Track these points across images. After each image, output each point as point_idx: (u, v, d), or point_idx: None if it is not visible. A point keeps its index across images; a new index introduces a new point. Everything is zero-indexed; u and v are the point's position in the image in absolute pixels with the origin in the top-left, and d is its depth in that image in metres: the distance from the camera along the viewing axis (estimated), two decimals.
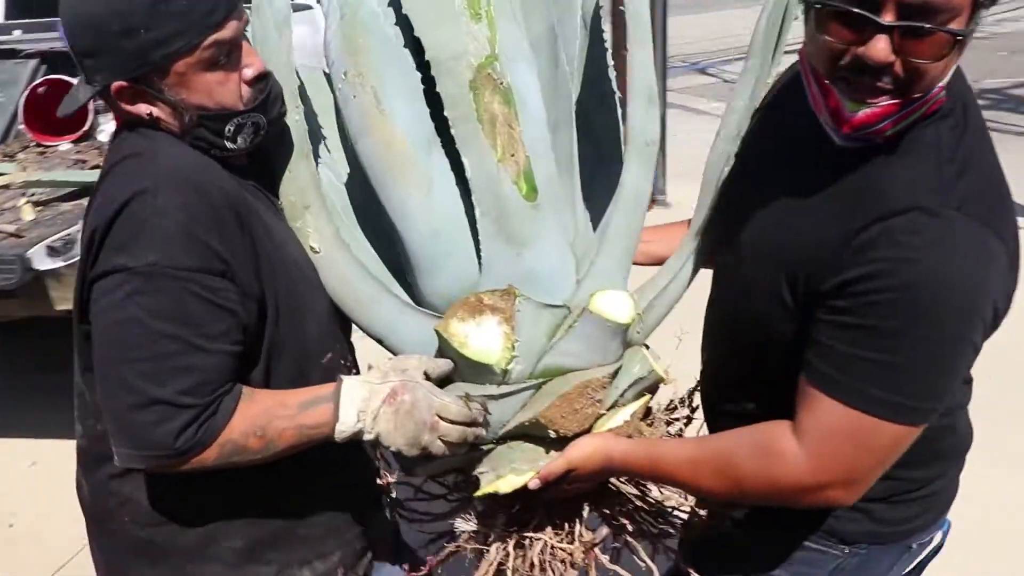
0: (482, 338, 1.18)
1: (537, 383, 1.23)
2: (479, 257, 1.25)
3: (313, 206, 1.27)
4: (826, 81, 1.00)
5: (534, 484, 1.21)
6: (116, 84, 1.13)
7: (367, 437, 1.16)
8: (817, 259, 1.04)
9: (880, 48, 0.92)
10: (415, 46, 1.22)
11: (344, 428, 1.15)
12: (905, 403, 1.01)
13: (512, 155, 1.20)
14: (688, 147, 6.05)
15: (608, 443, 1.21)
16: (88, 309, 1.13)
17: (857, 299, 1.00)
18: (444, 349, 1.22)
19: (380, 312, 1.28)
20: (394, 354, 1.29)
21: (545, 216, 1.23)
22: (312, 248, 1.27)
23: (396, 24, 1.23)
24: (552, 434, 1.21)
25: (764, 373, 1.19)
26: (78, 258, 1.25)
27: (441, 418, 1.16)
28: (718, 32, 11.28)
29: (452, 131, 1.20)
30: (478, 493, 1.23)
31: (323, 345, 1.29)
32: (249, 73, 1.17)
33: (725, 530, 1.26)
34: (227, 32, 1.13)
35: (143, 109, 1.15)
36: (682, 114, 7.81)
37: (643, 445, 1.21)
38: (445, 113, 1.20)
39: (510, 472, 1.22)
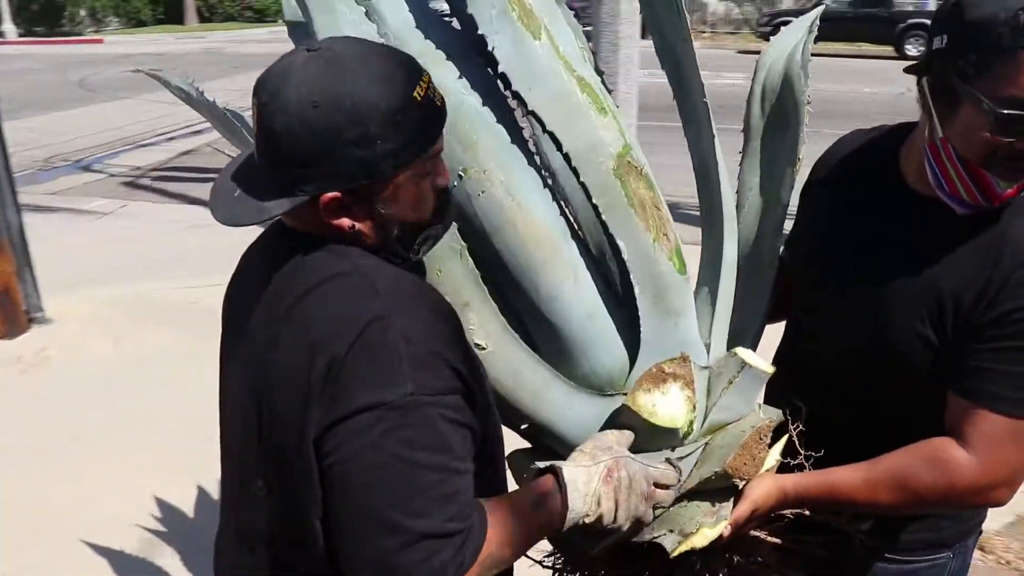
0: (668, 405, 1.26)
1: (705, 441, 1.33)
2: (621, 333, 1.33)
3: (473, 302, 1.28)
4: (979, 167, 1.21)
5: (727, 532, 1.30)
6: (329, 195, 1.05)
7: (588, 520, 1.18)
8: (970, 295, 1.25)
9: None
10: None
11: (574, 516, 1.15)
12: None
13: (664, 234, 1.31)
14: (68, 253, 6.00)
15: (779, 480, 1.33)
16: (320, 452, 1.03)
17: (1017, 326, 1.22)
18: (626, 421, 1.28)
19: (552, 398, 1.30)
20: (558, 440, 1.33)
21: (691, 287, 1.35)
22: (478, 345, 1.27)
23: (498, 122, 1.29)
24: (737, 482, 1.30)
25: (885, 401, 1.38)
26: None
27: (657, 486, 1.22)
28: (96, 127, 11.52)
29: (602, 217, 1.28)
30: (675, 553, 1.29)
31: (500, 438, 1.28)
32: (441, 183, 1.14)
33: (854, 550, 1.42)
34: (441, 142, 1.13)
35: (345, 223, 1.08)
36: (69, 217, 7.47)
37: (812, 476, 1.34)
38: (593, 201, 1.28)
39: (701, 528, 1.29)
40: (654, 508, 1.26)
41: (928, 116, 1.26)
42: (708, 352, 1.40)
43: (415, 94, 1.04)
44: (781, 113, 1.52)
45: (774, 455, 1.37)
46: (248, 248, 1.28)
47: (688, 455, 1.32)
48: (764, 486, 1.31)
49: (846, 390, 1.43)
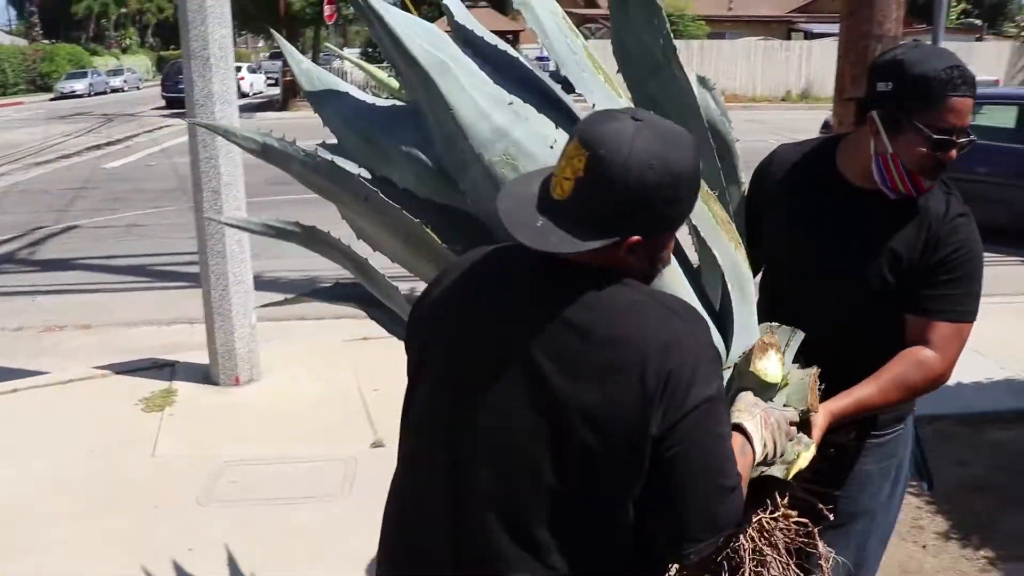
0: (772, 367, 1.69)
1: (781, 389, 1.77)
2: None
3: None
4: (915, 171, 1.83)
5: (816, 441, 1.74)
6: (635, 238, 1.27)
7: (760, 456, 1.54)
8: (915, 251, 1.87)
9: (953, 155, 1.82)
10: None
11: (758, 454, 1.53)
12: (976, 309, 1.91)
13: (739, 242, 1.76)
14: None
15: (827, 407, 1.82)
16: (661, 445, 1.25)
17: (951, 262, 1.87)
18: (745, 384, 1.68)
19: None
20: None
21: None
22: None
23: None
24: (812, 415, 1.76)
25: (860, 335, 1.93)
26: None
27: (791, 424, 1.65)
28: None
29: (700, 235, 1.68)
30: (790, 476, 1.68)
31: None
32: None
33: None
34: None
35: (629, 259, 1.30)
36: None
37: (843, 399, 1.85)
38: (693, 223, 1.67)
39: (800, 454, 1.71)
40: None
41: (877, 136, 1.86)
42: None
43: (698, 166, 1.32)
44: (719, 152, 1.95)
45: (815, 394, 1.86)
46: (471, 277, 1.41)
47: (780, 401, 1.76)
48: (821, 414, 1.80)
49: (832, 335, 1.89)
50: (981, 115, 9.81)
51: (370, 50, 32.48)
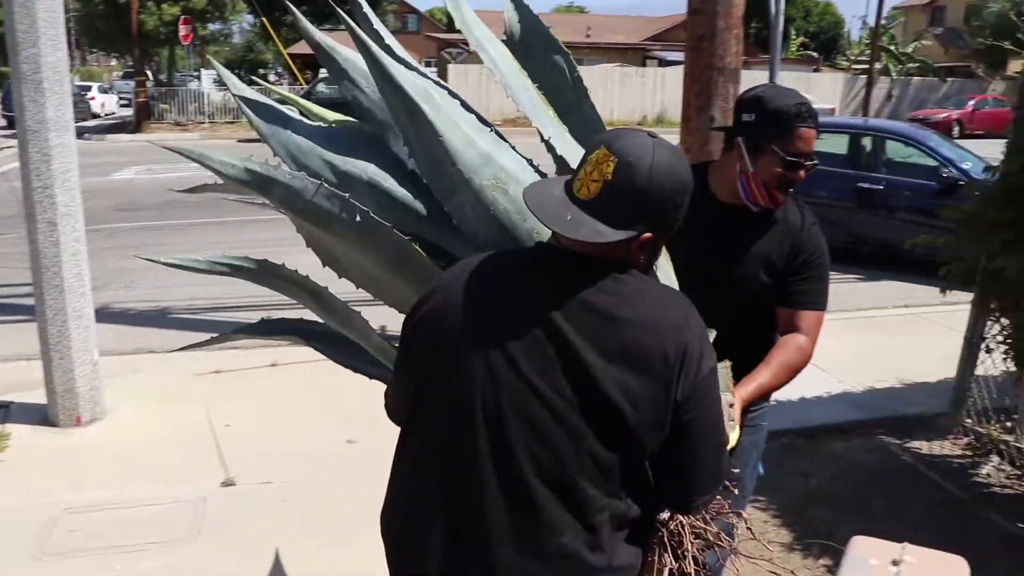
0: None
1: None
2: None
3: None
4: (772, 187, 2.22)
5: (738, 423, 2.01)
6: (647, 235, 1.48)
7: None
8: (783, 256, 2.29)
9: (803, 175, 2.20)
10: None
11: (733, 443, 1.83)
12: (828, 300, 2.35)
13: (667, 258, 2.01)
14: None
15: (738, 392, 2.09)
16: (681, 409, 1.45)
17: (811, 263, 2.30)
18: None
19: None
20: None
21: None
22: None
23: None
24: (732, 399, 2.01)
25: (745, 324, 2.25)
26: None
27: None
28: None
29: None
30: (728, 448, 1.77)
31: None
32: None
33: None
34: None
35: (639, 254, 1.50)
36: None
37: (748, 384, 2.15)
38: None
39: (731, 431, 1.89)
40: None
41: (741, 159, 2.23)
42: None
43: None
44: None
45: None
46: (479, 276, 1.53)
47: None
48: (737, 398, 2.06)
49: (722, 330, 2.06)
50: (820, 142, 10.40)
51: (238, 72, 31.68)
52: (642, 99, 29.70)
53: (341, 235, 1.77)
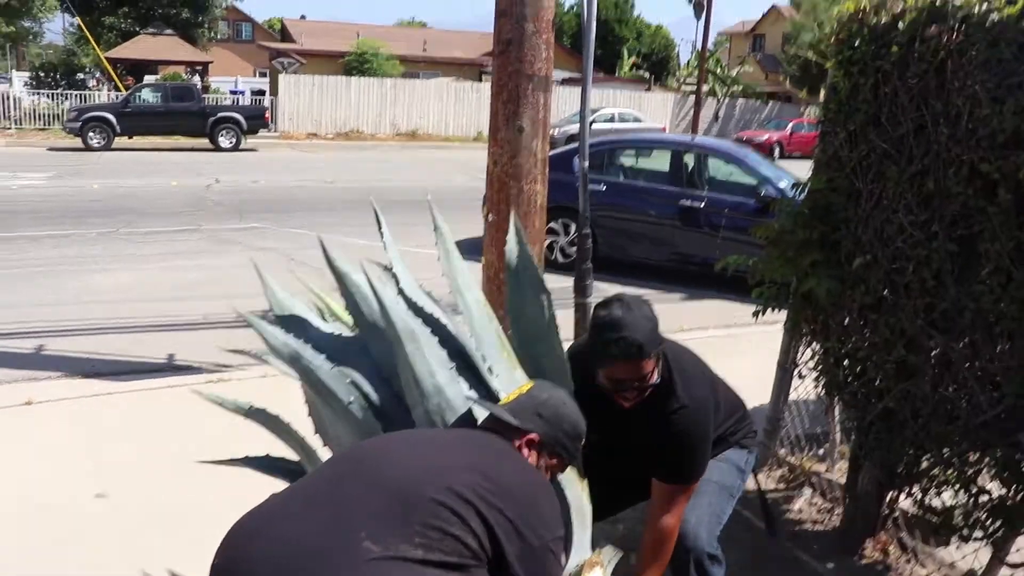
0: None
1: None
2: None
3: None
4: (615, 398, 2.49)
5: None
6: (536, 439, 2.05)
7: None
8: (657, 437, 2.50)
9: (629, 396, 2.47)
10: None
11: None
12: (693, 475, 2.58)
13: (584, 485, 2.36)
14: None
15: None
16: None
17: (670, 446, 2.52)
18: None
19: None
20: None
21: None
22: None
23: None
24: None
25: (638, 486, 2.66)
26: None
27: None
28: None
29: (562, 484, 2.26)
30: None
31: None
32: None
33: None
34: None
35: (531, 451, 2.04)
36: None
37: None
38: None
39: None
40: None
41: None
42: None
43: None
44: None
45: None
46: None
47: None
48: None
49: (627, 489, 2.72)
50: (650, 159, 10.43)
51: (41, 75, 29.53)
52: (478, 114, 29.58)
53: (336, 410, 2.24)
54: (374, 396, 2.26)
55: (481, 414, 2.17)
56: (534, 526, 1.76)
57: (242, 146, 22.12)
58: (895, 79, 3.05)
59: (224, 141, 21.70)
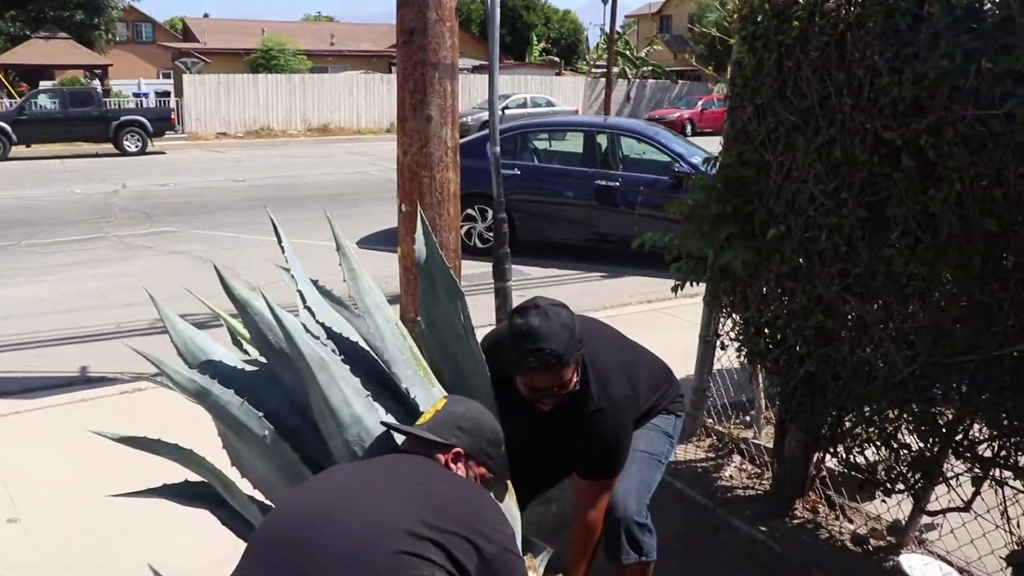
0: None
1: None
2: None
3: None
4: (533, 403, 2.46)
5: None
6: (462, 452, 2.02)
7: None
8: (581, 439, 2.50)
9: (547, 403, 2.43)
10: None
11: None
12: (612, 471, 2.58)
13: (511, 494, 2.40)
14: None
15: None
16: None
17: (592, 444, 2.52)
18: None
19: None
20: None
21: None
22: None
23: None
24: None
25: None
26: None
27: None
28: None
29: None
30: None
31: None
32: None
33: None
34: None
35: (459, 465, 2.02)
36: None
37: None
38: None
39: None
40: None
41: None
42: None
43: None
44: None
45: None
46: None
47: None
48: None
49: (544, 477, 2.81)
50: (564, 142, 10.49)
51: None
52: (389, 105, 29.24)
53: (250, 444, 2.17)
54: (288, 426, 2.19)
55: (401, 436, 2.13)
56: (486, 534, 1.74)
57: (149, 149, 21.45)
58: (798, 53, 3.11)
59: (130, 145, 21.02)
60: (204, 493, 2.41)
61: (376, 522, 1.68)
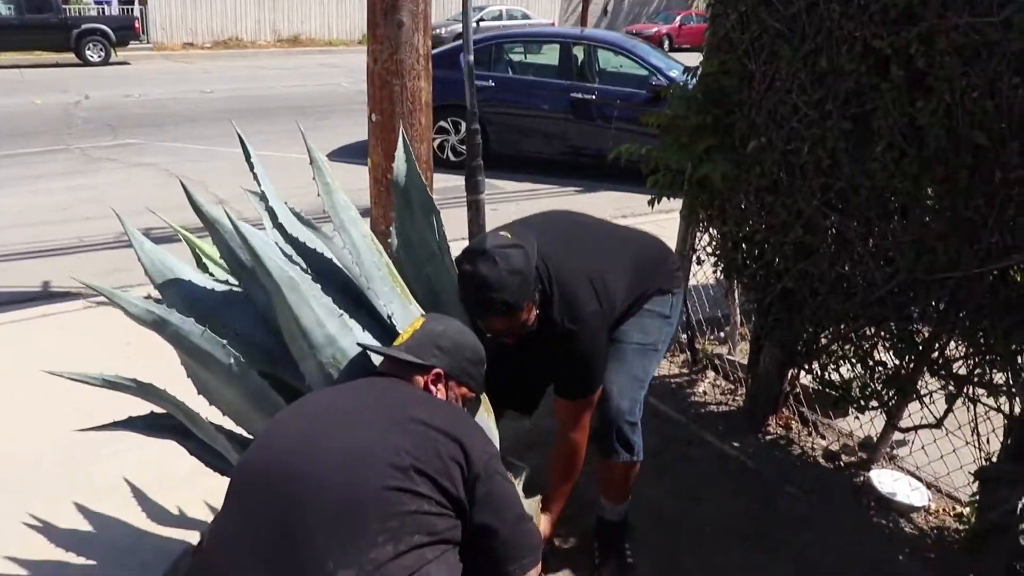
0: None
1: None
2: None
3: None
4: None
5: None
6: (442, 372, 1.97)
7: None
8: (556, 354, 2.46)
9: (509, 341, 2.40)
10: None
11: None
12: (590, 388, 2.55)
13: (490, 413, 2.43)
14: None
15: (547, 518, 2.61)
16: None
17: (569, 359, 2.47)
18: None
19: None
20: None
21: None
22: None
23: None
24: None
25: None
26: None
27: None
28: None
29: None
30: None
31: None
32: None
33: None
34: None
35: (438, 386, 1.97)
36: None
37: (553, 508, 2.62)
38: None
39: None
40: None
41: None
42: None
43: None
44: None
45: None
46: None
47: None
48: (546, 523, 2.57)
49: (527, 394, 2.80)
50: (540, 55, 10.24)
51: None
52: (361, 15, 28.42)
53: (216, 373, 2.08)
54: (263, 348, 2.11)
55: (379, 357, 2.04)
56: (470, 459, 1.67)
57: (112, 59, 20.74)
58: None
59: (92, 55, 20.31)
60: (170, 424, 2.34)
61: (357, 455, 1.61)
